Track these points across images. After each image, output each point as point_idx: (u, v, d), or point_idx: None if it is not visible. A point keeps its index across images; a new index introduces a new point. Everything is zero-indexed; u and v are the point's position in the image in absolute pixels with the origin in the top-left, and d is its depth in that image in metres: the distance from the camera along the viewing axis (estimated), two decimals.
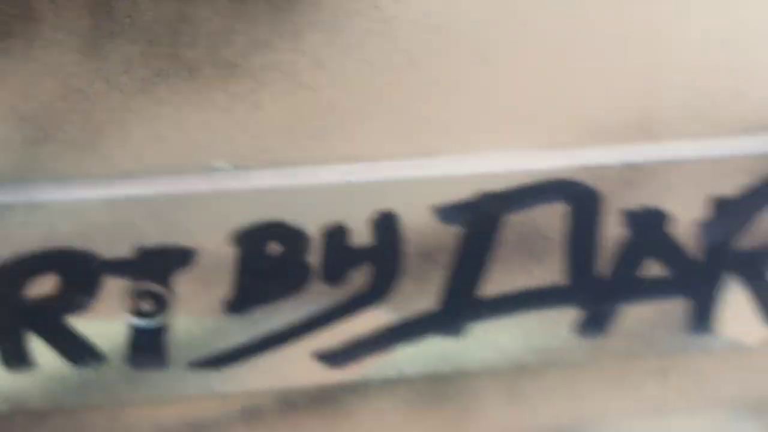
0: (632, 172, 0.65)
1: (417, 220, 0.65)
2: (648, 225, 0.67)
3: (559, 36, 0.63)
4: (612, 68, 0.64)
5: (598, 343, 0.72)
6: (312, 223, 0.64)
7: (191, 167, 0.61)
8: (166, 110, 0.60)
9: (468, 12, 0.62)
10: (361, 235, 0.65)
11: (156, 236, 0.63)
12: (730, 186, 0.66)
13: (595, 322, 0.70)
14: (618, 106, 0.64)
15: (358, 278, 0.67)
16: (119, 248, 0.63)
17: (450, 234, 0.66)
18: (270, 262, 0.64)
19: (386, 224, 0.64)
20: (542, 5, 0.63)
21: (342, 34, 0.61)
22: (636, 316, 0.71)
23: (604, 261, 0.68)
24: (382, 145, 0.63)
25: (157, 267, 0.63)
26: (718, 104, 0.65)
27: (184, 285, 0.65)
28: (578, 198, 0.65)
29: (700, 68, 0.64)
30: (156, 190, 0.61)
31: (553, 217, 0.66)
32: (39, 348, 0.66)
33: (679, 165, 0.65)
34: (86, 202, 0.61)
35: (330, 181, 0.63)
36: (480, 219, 0.65)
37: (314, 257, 0.65)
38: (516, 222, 0.66)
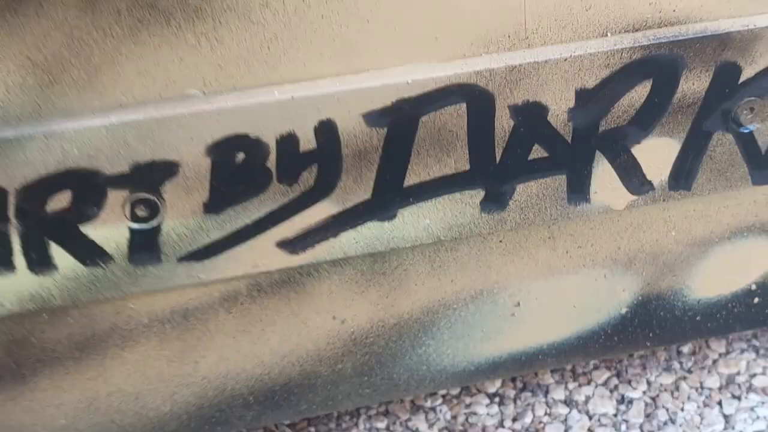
0: (515, 73, 0.82)
1: (351, 126, 0.80)
2: (530, 116, 0.84)
3: None
4: None
5: (498, 217, 0.89)
6: (268, 134, 0.79)
7: (171, 95, 0.76)
8: (148, 50, 0.75)
9: None
10: (308, 142, 0.80)
11: (147, 154, 0.77)
12: (593, 79, 0.83)
13: (495, 200, 0.87)
14: (500, 20, 0.80)
15: (308, 178, 0.82)
16: (118, 165, 0.77)
17: (378, 136, 0.81)
18: (237, 168, 0.80)
19: (327, 131, 0.80)
20: None
21: None
22: (527, 192, 0.88)
23: (499, 148, 0.85)
24: (318, 67, 0.79)
25: (148, 179, 0.78)
26: (575, 14, 0.81)
27: (171, 192, 0.80)
28: (475, 98, 0.81)
29: None
30: (144, 115, 0.76)
31: (456, 115, 0.82)
32: (58, 253, 0.80)
33: (551, 65, 0.82)
34: (90, 129, 0.75)
35: (280, 99, 0.78)
36: (400, 121, 0.81)
37: (272, 162, 0.80)
38: (428, 122, 0.82)
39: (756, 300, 1.02)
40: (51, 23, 0.72)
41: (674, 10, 0.82)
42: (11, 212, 0.76)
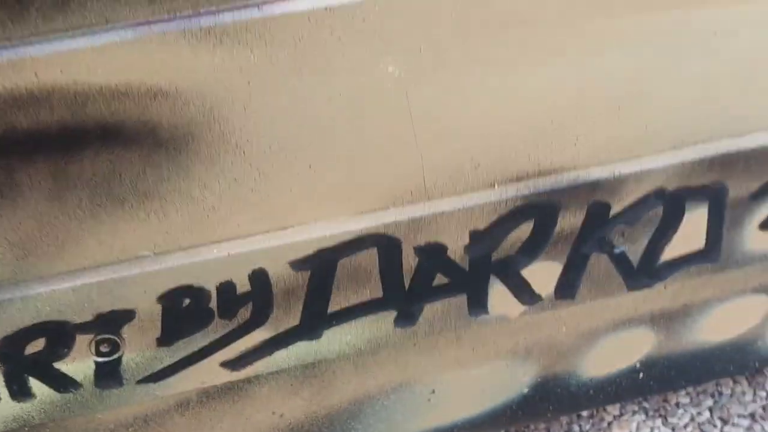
0: (417, 222, 0.97)
1: (280, 271, 0.95)
2: (432, 253, 0.99)
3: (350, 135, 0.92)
4: (396, 150, 0.94)
5: (411, 330, 1.04)
6: (210, 283, 0.95)
7: (126, 258, 0.91)
8: (106, 227, 0.90)
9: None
10: (244, 286, 0.96)
11: (107, 305, 0.93)
12: (484, 222, 0.98)
13: (406, 318, 1.03)
14: (403, 180, 0.95)
15: (245, 313, 0.98)
16: (84, 316, 0.92)
17: (303, 277, 0.97)
18: (184, 310, 0.95)
19: (259, 277, 0.95)
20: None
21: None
22: (433, 310, 1.03)
23: (407, 279, 1.00)
24: (250, 227, 0.93)
25: (110, 324, 0.94)
26: (467, 171, 0.96)
27: (129, 332, 0.95)
28: (384, 244, 0.97)
29: (450, 148, 0.95)
30: (105, 276, 0.91)
31: (369, 257, 0.98)
32: (36, 384, 0.96)
33: (447, 214, 0.97)
34: (59, 291, 0.90)
35: (218, 255, 0.93)
36: (321, 265, 0.96)
37: (213, 304, 0.96)
38: (345, 263, 0.97)
39: (641, 375, 1.19)
40: (24, 212, 0.86)
41: (550, 163, 0.97)
42: None
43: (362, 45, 0.85)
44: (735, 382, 1.33)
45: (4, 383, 0.94)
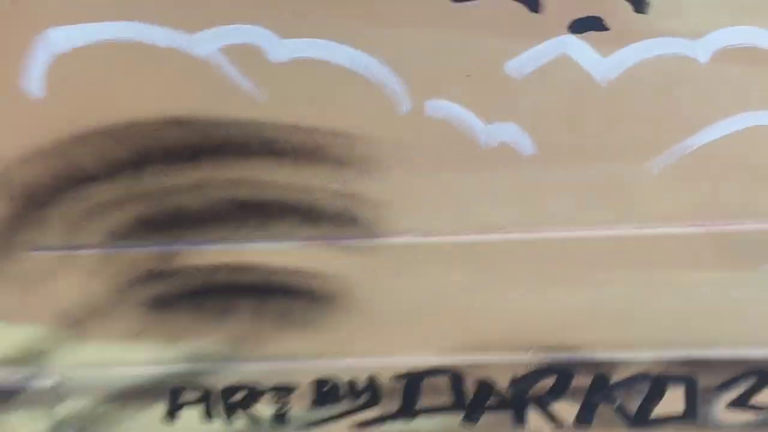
0: (477, 364, 1.52)
1: (386, 380, 1.54)
2: (485, 386, 1.54)
3: None
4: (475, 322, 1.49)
5: (473, 426, 1.59)
6: (344, 378, 1.53)
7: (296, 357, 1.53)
8: None
9: None
10: (363, 383, 1.54)
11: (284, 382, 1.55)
12: (521, 372, 1.51)
13: (468, 419, 1.58)
14: (472, 333, 1.50)
15: (365, 398, 1.57)
16: (269, 384, 1.55)
17: (400, 384, 1.54)
18: (328, 392, 1.55)
19: (373, 380, 1.54)
20: None
21: None
22: (489, 418, 1.58)
23: (469, 397, 1.56)
24: (373, 350, 1.52)
25: (284, 392, 1.55)
26: (511, 339, 1.49)
27: (294, 399, 1.56)
28: (453, 374, 1.53)
29: (505, 325, 1.48)
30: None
31: (445, 380, 1.54)
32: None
33: (498, 363, 1.51)
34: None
35: (352, 364, 1.52)
36: (412, 381, 1.54)
37: (343, 391, 1.55)
38: (429, 382, 1.54)
39: None
40: (232, 326, 1.49)
41: (569, 342, 1.49)
42: None
43: None
44: None
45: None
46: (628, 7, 1.13)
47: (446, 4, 1.15)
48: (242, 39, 1.19)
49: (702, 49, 1.16)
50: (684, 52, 1.15)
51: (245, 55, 1.19)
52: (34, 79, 1.22)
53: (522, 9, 1.14)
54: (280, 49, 1.19)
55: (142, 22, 1.18)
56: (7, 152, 1.30)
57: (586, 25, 1.14)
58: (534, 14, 1.14)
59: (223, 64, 1.19)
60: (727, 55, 1.16)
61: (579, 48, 1.16)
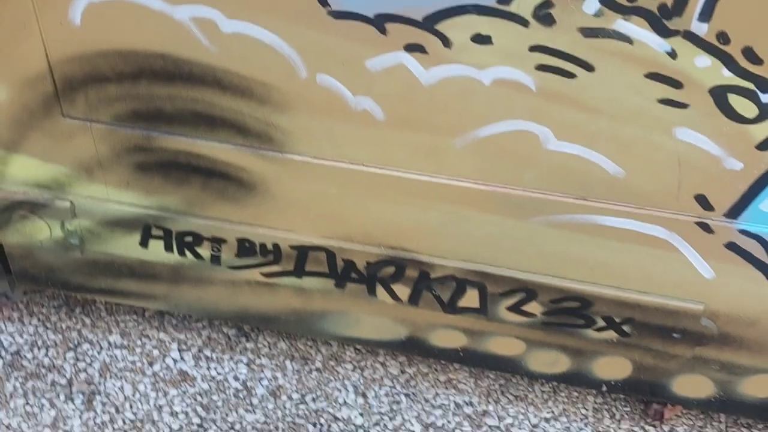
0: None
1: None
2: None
3: None
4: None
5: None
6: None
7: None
8: None
9: None
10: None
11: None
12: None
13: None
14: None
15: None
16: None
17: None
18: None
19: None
20: None
21: None
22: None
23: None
24: None
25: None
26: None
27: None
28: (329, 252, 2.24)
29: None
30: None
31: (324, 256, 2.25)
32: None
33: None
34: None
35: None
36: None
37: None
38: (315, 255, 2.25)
39: None
40: None
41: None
42: None
43: None
44: None
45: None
46: (439, 42, 1.79)
47: (330, 20, 1.81)
48: (204, 14, 1.87)
49: (485, 76, 1.82)
50: (474, 75, 1.82)
51: (205, 24, 1.88)
52: (76, 14, 1.92)
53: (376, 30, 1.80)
54: (228, 24, 1.88)
55: None
56: (57, 55, 2.00)
57: (414, 48, 1.81)
58: (383, 35, 1.81)
59: (191, 27, 1.89)
60: (501, 83, 1.82)
61: (410, 61, 1.82)
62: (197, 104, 1.98)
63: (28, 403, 2.26)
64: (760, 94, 1.68)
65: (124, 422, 2.19)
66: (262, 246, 2.19)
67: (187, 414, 2.24)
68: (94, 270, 2.38)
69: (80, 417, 2.24)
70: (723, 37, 1.64)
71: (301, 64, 1.85)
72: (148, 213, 2.22)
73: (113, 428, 2.19)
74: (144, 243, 2.28)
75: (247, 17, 1.82)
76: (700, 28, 1.63)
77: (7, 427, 2.24)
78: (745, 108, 1.70)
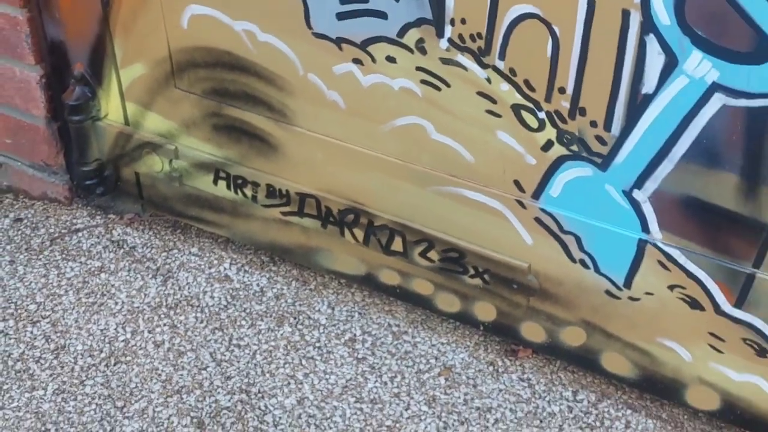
0: None
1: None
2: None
3: None
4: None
5: None
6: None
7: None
8: None
9: None
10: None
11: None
12: None
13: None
14: None
15: None
16: None
17: None
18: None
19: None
20: None
21: None
22: None
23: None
24: None
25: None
26: None
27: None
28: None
29: None
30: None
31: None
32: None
33: None
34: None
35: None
36: None
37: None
38: None
39: None
40: None
41: None
42: None
43: None
44: None
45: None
46: (370, 59, 2.97)
47: (313, 38, 3.04)
48: (249, 28, 3.15)
49: (395, 84, 2.97)
50: (388, 83, 2.98)
51: (250, 34, 3.16)
52: (185, 21, 3.25)
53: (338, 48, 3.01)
54: (262, 35, 3.14)
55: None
56: (174, 47, 3.30)
57: (357, 61, 2.98)
58: (341, 51, 3.01)
59: (243, 35, 3.16)
60: (403, 89, 2.98)
61: (355, 70, 3.00)
62: (246, 87, 3.22)
63: (129, 276, 3.54)
64: (537, 112, 2.74)
65: (182, 296, 3.42)
66: (280, 191, 3.37)
67: (220, 299, 3.45)
68: (188, 200, 3.64)
69: (156, 289, 3.48)
70: (512, 71, 2.72)
71: (300, 64, 3.06)
72: (218, 160, 3.45)
73: (174, 298, 3.42)
74: (215, 182, 3.51)
75: (271, 32, 3.05)
76: (500, 64, 2.72)
77: (112, 286, 3.52)
78: (531, 120, 2.77)
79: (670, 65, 2.40)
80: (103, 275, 3.55)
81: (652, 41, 2.38)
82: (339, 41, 2.86)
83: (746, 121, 2.37)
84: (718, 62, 2.34)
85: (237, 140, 3.28)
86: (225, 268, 3.56)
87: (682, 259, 2.67)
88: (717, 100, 2.39)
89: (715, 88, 2.37)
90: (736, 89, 2.35)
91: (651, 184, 2.60)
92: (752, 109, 2.35)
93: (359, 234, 3.22)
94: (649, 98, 2.48)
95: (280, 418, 3.05)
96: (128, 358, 3.26)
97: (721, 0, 2.25)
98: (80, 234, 3.74)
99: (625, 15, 2.38)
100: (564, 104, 2.60)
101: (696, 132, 2.46)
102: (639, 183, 2.61)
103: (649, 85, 2.46)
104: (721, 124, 2.41)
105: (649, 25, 2.37)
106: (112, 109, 3.48)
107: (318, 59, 2.94)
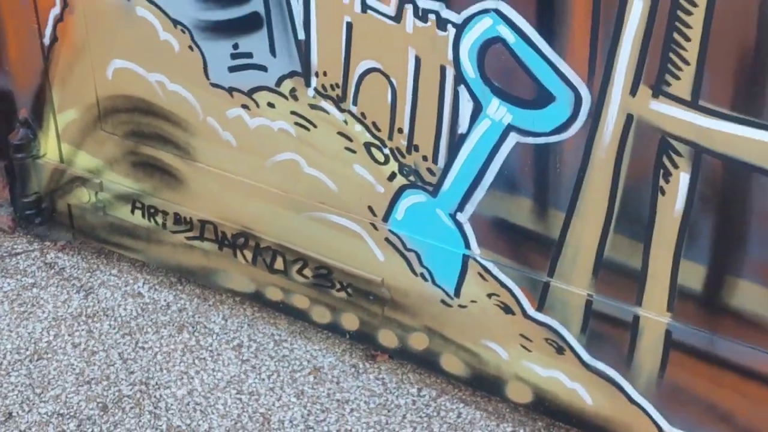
0: None
1: None
2: None
3: None
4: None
5: None
6: None
7: None
8: None
9: None
10: None
11: None
12: None
13: None
14: None
15: None
16: None
17: None
18: None
19: None
20: None
21: None
22: None
23: None
24: None
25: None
26: None
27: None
28: None
29: None
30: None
31: None
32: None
33: None
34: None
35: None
36: None
37: None
38: None
39: None
40: None
41: None
42: None
43: None
44: None
45: None
46: (255, 104, 3.63)
47: (210, 87, 3.71)
48: (160, 79, 3.82)
49: (275, 125, 3.63)
50: (269, 124, 3.63)
51: (160, 84, 3.83)
52: (110, 73, 3.91)
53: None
54: (170, 85, 3.80)
55: None
56: (101, 94, 3.98)
57: (245, 106, 3.65)
58: (232, 98, 3.67)
59: (155, 86, 3.83)
60: (281, 130, 3.64)
61: (243, 114, 3.66)
62: (158, 129, 3.86)
63: (56, 291, 4.13)
64: (383, 148, 3.39)
65: (99, 308, 4.01)
66: (185, 218, 3.98)
67: (131, 311, 4.04)
68: (111, 229, 4.24)
69: (78, 302, 4.07)
70: (363, 115, 3.38)
71: (200, 109, 3.71)
72: (135, 192, 4.07)
73: (93, 309, 4.01)
74: (132, 211, 4.12)
75: (177, 82, 3.72)
76: (354, 109, 3.37)
77: (41, 298, 4.12)
78: (379, 155, 3.41)
79: (477, 110, 3.03)
80: (34, 290, 4.13)
81: (463, 90, 3.02)
82: (231, 90, 3.50)
83: (534, 155, 3.00)
84: (511, 108, 2.97)
85: (150, 175, 3.90)
86: (139, 287, 4.15)
87: (495, 271, 3.27)
88: (512, 139, 3.01)
89: (510, 128, 3.00)
90: (526, 129, 2.97)
91: (470, 208, 3.21)
92: (538, 146, 2.97)
93: (249, 255, 3.82)
94: (463, 137, 3.10)
95: (171, 404, 3.61)
96: (49, 356, 3.82)
97: (511, 59, 2.88)
98: (19, 257, 4.32)
99: (443, 70, 3.02)
100: (402, 142, 3.23)
101: (499, 164, 3.07)
102: (461, 207, 3.22)
103: (463, 126, 3.08)
104: (516, 158, 3.04)
105: (460, 78, 3.00)
106: (49, 148, 4.09)
107: (214, 105, 3.57)
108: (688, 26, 2.53)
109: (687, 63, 2.56)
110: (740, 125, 2.56)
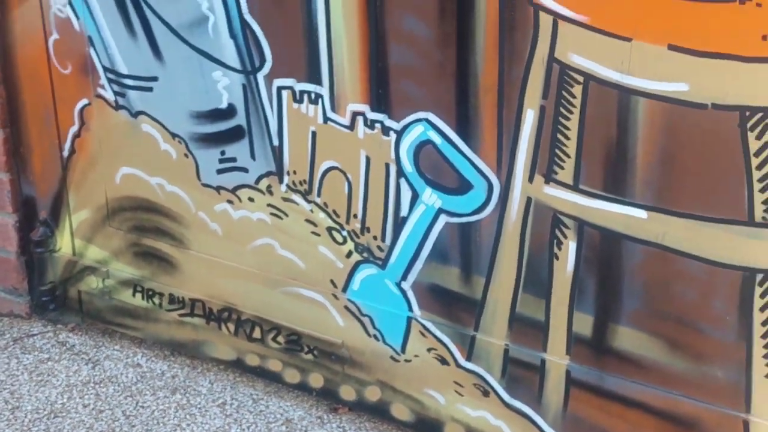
0: None
1: None
2: None
3: None
4: None
5: None
6: None
7: None
8: None
9: None
10: None
11: None
12: None
13: None
14: None
15: None
16: None
17: None
18: None
19: None
20: None
21: None
22: None
23: None
24: None
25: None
26: None
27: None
28: None
29: None
30: None
31: None
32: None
33: None
34: None
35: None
36: None
37: None
38: None
39: None
40: None
41: None
42: None
43: None
44: None
45: None
46: (237, 199, 4.43)
47: (201, 187, 4.51)
48: (160, 182, 4.63)
49: (254, 216, 4.42)
50: (249, 215, 4.42)
51: (161, 186, 4.63)
52: (118, 178, 4.73)
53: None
54: (169, 187, 4.61)
55: None
56: (110, 196, 4.76)
57: (229, 201, 4.46)
58: (219, 195, 4.48)
59: (156, 188, 4.64)
60: (259, 220, 4.43)
61: (228, 207, 4.47)
62: (157, 223, 4.57)
63: (68, 363, 4.83)
64: (341, 231, 4.14)
65: (105, 376, 4.70)
66: (178, 298, 4.67)
67: (132, 378, 4.73)
68: (115, 311, 4.94)
69: (87, 372, 4.77)
70: (326, 204, 4.13)
71: (192, 205, 4.48)
72: (136, 278, 4.73)
73: (100, 377, 4.70)
74: (134, 295, 4.85)
75: (175, 184, 4.50)
76: (318, 200, 4.12)
77: (56, 369, 4.85)
78: (339, 237, 4.08)
79: (414, 197, 3.80)
80: (49, 363, 4.84)
81: (403, 182, 3.80)
82: (218, 188, 4.26)
83: (460, 232, 3.78)
84: (441, 194, 3.74)
85: (150, 262, 4.62)
86: (138, 359, 4.87)
87: (433, 328, 3.96)
88: (442, 219, 3.77)
89: (440, 211, 3.76)
90: (452, 211, 3.76)
91: (411, 277, 3.95)
92: (462, 224, 3.75)
93: (231, 327, 4.52)
94: (404, 219, 3.85)
95: None
96: (63, 414, 4.52)
97: (439, 156, 3.70)
98: (35, 337, 5.04)
99: (387, 166, 3.81)
100: (357, 225, 3.99)
101: (433, 240, 3.81)
102: (404, 276, 3.95)
103: (404, 211, 3.84)
104: (446, 235, 3.79)
105: (401, 172, 3.79)
106: (64, 243, 4.80)
107: (204, 201, 4.31)
108: (567, 128, 3.08)
109: (569, 156, 2.96)
110: (610, 203, 2.98)
